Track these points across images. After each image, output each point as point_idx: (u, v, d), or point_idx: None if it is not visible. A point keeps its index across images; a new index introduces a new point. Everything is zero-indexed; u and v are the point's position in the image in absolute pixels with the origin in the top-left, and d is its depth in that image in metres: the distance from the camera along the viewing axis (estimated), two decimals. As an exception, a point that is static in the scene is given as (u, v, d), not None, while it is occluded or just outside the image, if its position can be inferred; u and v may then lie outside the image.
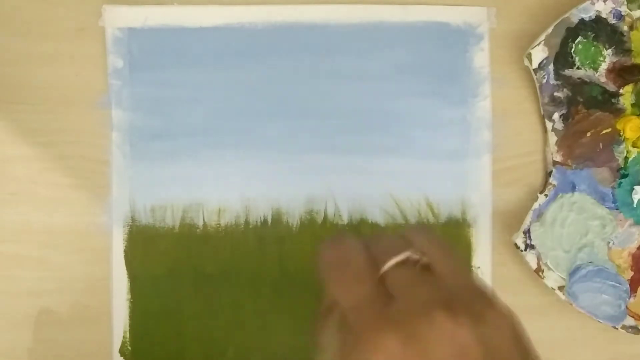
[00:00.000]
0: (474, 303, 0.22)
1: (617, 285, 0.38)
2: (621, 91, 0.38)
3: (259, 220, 0.38)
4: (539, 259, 0.38)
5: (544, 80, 0.38)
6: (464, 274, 0.24)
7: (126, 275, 0.38)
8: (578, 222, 0.38)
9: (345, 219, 0.38)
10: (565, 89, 0.38)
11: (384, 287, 0.23)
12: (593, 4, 0.37)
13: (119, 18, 0.38)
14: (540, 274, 0.38)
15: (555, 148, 0.38)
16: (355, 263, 0.24)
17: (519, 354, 0.21)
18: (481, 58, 0.39)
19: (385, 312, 0.21)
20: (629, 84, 0.38)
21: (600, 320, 0.38)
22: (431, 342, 0.20)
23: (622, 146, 0.38)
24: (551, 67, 0.38)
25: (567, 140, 0.38)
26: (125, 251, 0.38)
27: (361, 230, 0.38)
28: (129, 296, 0.38)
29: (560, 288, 0.38)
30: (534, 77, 0.38)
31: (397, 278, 0.23)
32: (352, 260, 0.24)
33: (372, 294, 0.22)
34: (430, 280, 0.23)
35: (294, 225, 0.38)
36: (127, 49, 0.38)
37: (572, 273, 0.38)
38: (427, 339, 0.20)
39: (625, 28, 0.38)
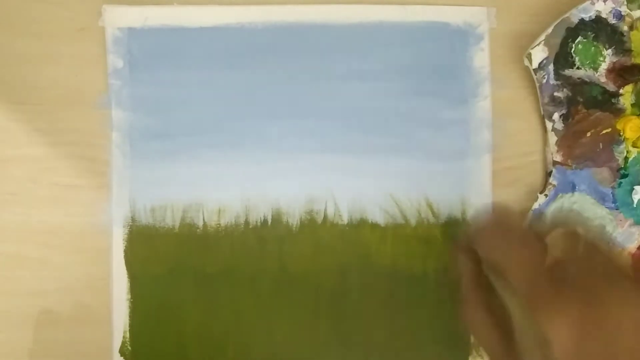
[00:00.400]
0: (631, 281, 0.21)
1: (617, 285, 0.38)
2: (621, 91, 0.38)
3: (259, 220, 0.38)
4: (539, 259, 0.38)
5: (544, 80, 0.38)
6: (616, 255, 0.25)
7: (126, 275, 0.38)
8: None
9: (345, 219, 0.38)
10: (565, 89, 0.38)
11: (554, 269, 0.22)
12: (593, 4, 0.37)
13: (119, 18, 0.38)
14: (540, 274, 0.38)
15: (555, 148, 0.38)
16: (525, 242, 0.24)
17: None
18: (481, 58, 0.39)
19: (562, 289, 0.21)
20: (629, 84, 0.38)
21: (600, 320, 0.38)
22: (611, 317, 0.20)
23: (622, 146, 0.38)
24: (551, 67, 0.38)
25: (567, 140, 0.38)
26: (125, 251, 0.38)
27: (361, 230, 0.38)
28: (129, 296, 0.38)
29: (560, 288, 0.38)
30: (534, 77, 0.38)
31: (569, 263, 0.23)
32: (521, 239, 0.24)
33: (544, 271, 0.22)
34: (595, 256, 0.23)
35: (294, 225, 0.38)
36: (127, 49, 0.38)
37: (572, 273, 0.38)
38: (607, 315, 0.20)
39: (625, 28, 0.38)
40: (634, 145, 0.38)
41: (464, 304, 0.25)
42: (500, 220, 0.25)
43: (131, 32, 0.38)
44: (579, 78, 0.38)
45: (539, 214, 0.27)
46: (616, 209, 0.38)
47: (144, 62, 0.38)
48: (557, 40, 0.38)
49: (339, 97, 0.38)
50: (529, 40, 0.38)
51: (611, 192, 0.38)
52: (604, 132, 0.38)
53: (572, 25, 0.38)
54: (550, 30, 0.37)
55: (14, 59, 0.38)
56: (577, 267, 0.22)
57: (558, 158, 0.38)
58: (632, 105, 0.38)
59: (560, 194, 0.38)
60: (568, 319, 0.19)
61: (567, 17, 0.37)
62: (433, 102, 0.39)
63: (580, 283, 0.21)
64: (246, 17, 0.38)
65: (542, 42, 0.37)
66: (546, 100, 0.38)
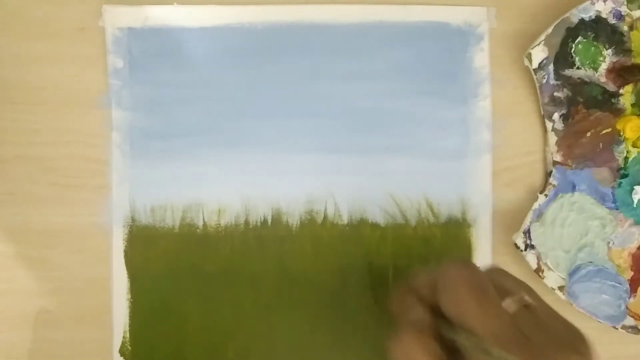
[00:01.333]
0: (586, 348, 0.24)
1: (617, 285, 0.38)
2: (621, 91, 0.38)
3: (259, 220, 0.38)
4: (539, 259, 0.38)
5: (544, 80, 0.38)
6: (560, 316, 0.26)
7: (126, 275, 0.38)
8: (578, 222, 0.38)
9: (345, 219, 0.38)
10: (565, 89, 0.38)
11: (515, 323, 0.24)
12: (593, 4, 0.37)
13: (119, 18, 0.38)
14: (540, 274, 0.38)
15: (555, 148, 0.38)
16: (492, 292, 0.25)
17: None
18: (481, 58, 0.39)
19: (530, 349, 0.23)
20: (629, 84, 0.38)
21: (600, 320, 0.38)
22: None
23: (622, 146, 0.38)
24: (551, 67, 0.38)
25: (567, 140, 0.38)
26: (125, 251, 0.38)
27: (361, 230, 0.38)
28: (129, 296, 0.38)
29: (560, 288, 0.38)
30: (534, 77, 0.38)
31: (523, 317, 0.24)
32: (488, 289, 0.25)
33: (510, 327, 0.24)
34: (547, 322, 0.25)
35: (294, 225, 0.38)
36: (127, 49, 0.38)
37: (572, 273, 0.38)
38: None
39: (625, 28, 0.38)
40: (634, 145, 0.38)
41: (402, 340, 0.25)
42: (464, 275, 0.26)
43: (131, 32, 0.38)
44: (579, 78, 0.38)
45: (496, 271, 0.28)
46: (616, 209, 0.38)
47: (144, 62, 0.38)
48: (557, 40, 0.38)
49: (339, 97, 0.38)
50: (529, 40, 0.38)
51: (611, 192, 0.38)
52: (604, 132, 0.38)
53: (572, 25, 0.38)
54: (550, 30, 0.37)
55: (14, 59, 0.38)
56: (540, 339, 0.23)
57: (558, 158, 0.38)
58: (632, 105, 0.38)
59: (560, 194, 0.38)
60: None
61: (567, 17, 0.37)
62: (433, 102, 0.39)
63: (543, 351, 0.23)
64: (246, 17, 0.38)
65: (542, 42, 0.37)
66: (546, 100, 0.38)
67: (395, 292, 0.29)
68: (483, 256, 0.39)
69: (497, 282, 0.26)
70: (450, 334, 0.25)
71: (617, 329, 0.38)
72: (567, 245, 0.38)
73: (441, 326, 0.26)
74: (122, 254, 0.38)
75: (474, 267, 0.26)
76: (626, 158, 0.38)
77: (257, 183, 0.38)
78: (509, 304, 0.25)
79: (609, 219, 0.38)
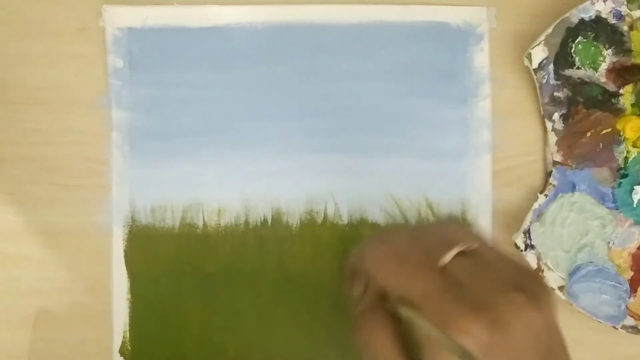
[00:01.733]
0: (537, 286, 0.22)
1: (617, 285, 0.38)
2: (621, 91, 0.38)
3: (259, 220, 0.38)
4: (539, 259, 0.38)
5: (544, 80, 0.38)
6: (510, 257, 0.25)
7: (126, 275, 0.38)
8: (578, 222, 0.38)
9: (345, 219, 0.38)
10: (565, 89, 0.38)
11: (447, 276, 0.23)
12: (593, 4, 0.37)
13: (119, 18, 0.38)
14: (540, 274, 0.38)
15: (555, 148, 0.38)
16: (414, 255, 0.24)
17: (561, 333, 0.22)
18: (481, 58, 0.39)
19: (463, 299, 0.21)
20: (629, 84, 0.38)
21: (600, 320, 0.38)
22: (514, 326, 0.21)
23: (622, 146, 0.38)
24: (551, 67, 0.38)
25: (567, 140, 0.38)
26: (125, 251, 0.38)
27: (361, 231, 0.38)
28: (129, 296, 0.38)
29: (560, 288, 0.38)
30: (534, 77, 0.38)
31: (460, 266, 0.23)
32: (409, 253, 0.24)
33: (440, 282, 0.23)
34: (491, 266, 0.24)
35: (294, 225, 0.38)
36: (127, 49, 0.38)
37: (572, 273, 0.38)
38: (510, 323, 0.21)
39: (625, 28, 0.38)
40: (634, 145, 0.38)
41: (360, 327, 0.25)
42: (389, 243, 0.25)
43: (131, 32, 0.38)
44: (579, 78, 0.38)
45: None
46: (616, 209, 0.38)
47: (144, 62, 0.38)
48: (557, 40, 0.38)
49: (339, 97, 0.38)
50: (529, 40, 0.38)
51: (611, 192, 0.38)
52: (604, 132, 0.38)
53: (572, 25, 0.38)
54: (550, 30, 0.37)
55: (14, 59, 0.38)
56: (477, 286, 0.22)
57: (558, 158, 0.38)
58: (632, 105, 0.38)
59: (560, 194, 0.38)
60: (476, 338, 0.20)
61: (567, 17, 0.37)
62: (433, 102, 0.39)
63: (484, 302, 0.21)
64: (246, 17, 0.38)
65: (542, 42, 0.37)
66: (546, 100, 0.38)
67: (345, 279, 0.29)
68: (483, 256, 0.39)
69: (439, 237, 0.25)
70: (396, 310, 0.24)
71: (617, 329, 0.38)
72: (567, 245, 0.38)
73: (388, 304, 0.25)
74: (122, 254, 0.38)
75: (389, 237, 0.26)
76: (626, 158, 0.38)
77: (257, 183, 0.38)
78: (444, 257, 0.24)
79: (609, 219, 0.38)
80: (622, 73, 0.38)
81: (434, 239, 0.25)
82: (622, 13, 0.38)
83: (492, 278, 0.23)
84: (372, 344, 0.24)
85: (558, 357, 0.22)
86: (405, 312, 0.23)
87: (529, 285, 0.22)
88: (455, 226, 0.27)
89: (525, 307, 0.21)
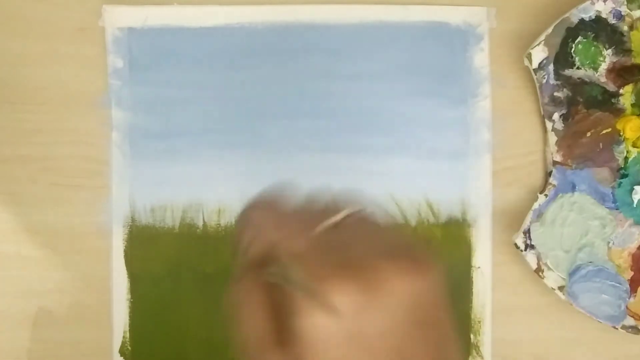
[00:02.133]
0: (422, 256, 0.22)
1: (617, 285, 0.38)
2: (621, 91, 0.38)
3: (259, 220, 0.38)
4: (539, 259, 0.38)
5: (544, 80, 0.38)
6: (387, 229, 0.25)
7: (126, 275, 0.38)
8: (578, 222, 0.38)
9: (345, 219, 0.38)
10: (565, 89, 0.38)
11: (329, 239, 0.23)
12: (593, 4, 0.37)
13: (119, 18, 0.38)
14: (540, 274, 0.38)
15: (555, 148, 0.38)
16: (295, 219, 0.24)
17: (447, 305, 0.22)
18: (481, 58, 0.39)
19: (342, 260, 0.21)
20: (629, 84, 0.38)
21: (600, 320, 0.38)
22: (389, 289, 0.20)
23: (622, 146, 0.38)
24: (551, 67, 0.38)
25: (567, 140, 0.38)
26: (125, 251, 0.38)
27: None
28: (129, 296, 0.38)
29: (560, 288, 0.38)
30: (534, 77, 0.38)
31: (343, 231, 0.24)
32: (291, 217, 0.24)
33: (320, 244, 0.23)
34: (377, 233, 0.24)
35: (294, 225, 0.38)
36: (127, 49, 0.38)
37: (572, 273, 0.38)
38: (385, 286, 0.20)
39: (625, 28, 0.38)
40: (634, 145, 0.38)
41: (237, 283, 0.25)
42: (266, 205, 0.25)
43: (131, 32, 0.38)
44: (579, 78, 0.38)
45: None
46: (616, 209, 0.38)
47: (144, 62, 0.38)
48: (557, 40, 0.38)
49: (339, 97, 0.38)
50: (529, 40, 0.38)
51: (611, 192, 0.38)
52: (604, 132, 0.38)
53: (572, 25, 0.38)
54: (550, 30, 0.37)
55: (14, 59, 0.38)
56: (358, 248, 0.22)
57: (558, 158, 0.38)
58: (632, 105, 0.38)
59: (560, 194, 0.38)
60: (349, 297, 0.20)
61: (567, 17, 0.37)
62: (433, 102, 0.39)
63: (362, 263, 0.21)
64: (246, 17, 0.38)
65: (542, 42, 0.37)
66: (546, 100, 0.38)
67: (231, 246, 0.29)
68: (483, 256, 0.39)
69: (327, 204, 0.26)
70: (271, 276, 0.24)
71: (617, 329, 0.38)
72: (567, 245, 0.38)
73: (264, 271, 0.24)
74: (122, 254, 0.38)
75: (274, 200, 0.26)
76: (626, 158, 0.38)
77: (257, 183, 0.38)
78: (329, 220, 0.24)
79: (609, 219, 0.38)
80: (622, 73, 0.38)
81: (321, 206, 0.26)
82: (622, 13, 0.38)
83: (376, 244, 0.23)
84: (241, 309, 0.23)
85: (437, 328, 0.22)
86: (280, 271, 0.23)
87: (413, 254, 0.22)
88: (345, 196, 0.27)
89: (404, 273, 0.21)
